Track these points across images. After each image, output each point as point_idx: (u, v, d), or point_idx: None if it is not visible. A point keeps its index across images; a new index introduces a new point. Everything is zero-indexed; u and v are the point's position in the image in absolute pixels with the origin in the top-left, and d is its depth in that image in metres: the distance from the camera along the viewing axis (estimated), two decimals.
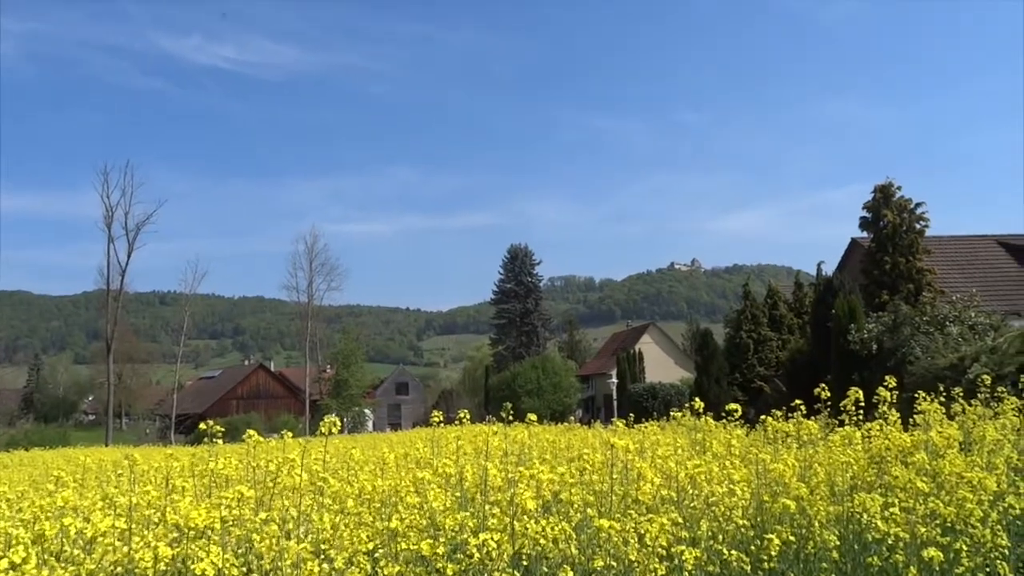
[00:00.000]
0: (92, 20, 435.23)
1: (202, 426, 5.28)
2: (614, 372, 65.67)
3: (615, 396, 62.45)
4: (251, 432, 4.99)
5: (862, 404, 5.77)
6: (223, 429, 4.74)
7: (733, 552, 3.69)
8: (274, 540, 2.76)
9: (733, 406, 5.29)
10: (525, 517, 3.08)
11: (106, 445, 50.48)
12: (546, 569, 3.03)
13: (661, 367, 65.91)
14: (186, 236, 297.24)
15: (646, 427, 13.39)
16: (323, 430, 3.87)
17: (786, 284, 55.06)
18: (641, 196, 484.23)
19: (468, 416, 5.58)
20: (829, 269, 38.78)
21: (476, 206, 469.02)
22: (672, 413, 14.57)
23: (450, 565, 2.82)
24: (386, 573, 2.85)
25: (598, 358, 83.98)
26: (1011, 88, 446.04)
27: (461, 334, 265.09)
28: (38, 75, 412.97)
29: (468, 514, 3.23)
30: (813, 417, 6.17)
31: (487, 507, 3.41)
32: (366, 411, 76.66)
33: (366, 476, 4.65)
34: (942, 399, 7.21)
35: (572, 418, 53.13)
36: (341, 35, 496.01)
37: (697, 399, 5.97)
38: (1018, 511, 4.40)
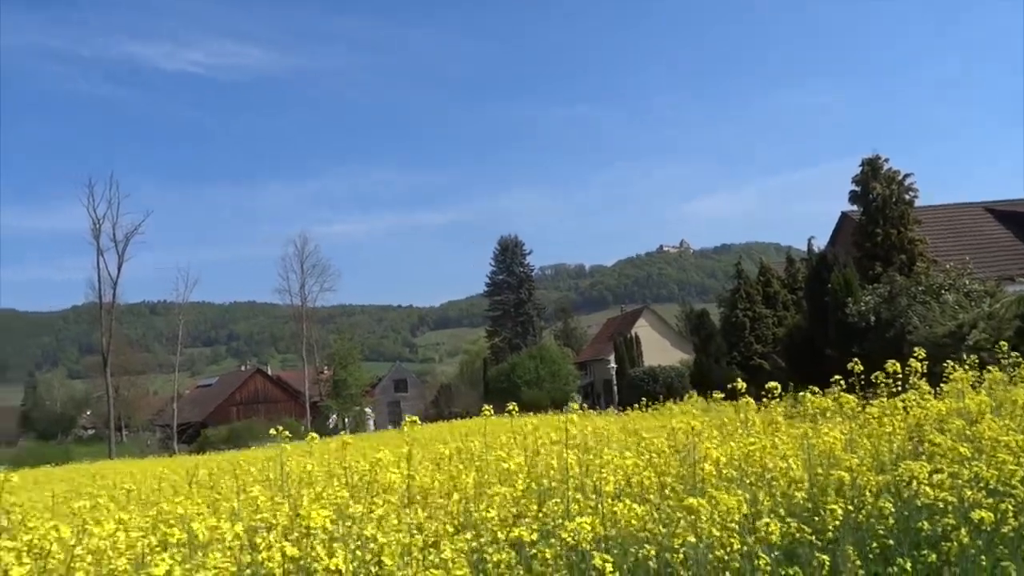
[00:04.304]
0: (55, 30, 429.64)
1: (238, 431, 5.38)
2: (612, 357, 66.07)
3: (614, 381, 62.85)
4: (312, 435, 5.15)
5: (890, 376, 5.95)
6: (287, 432, 4.86)
7: (793, 523, 3.88)
8: (386, 536, 2.91)
9: (772, 385, 5.45)
10: (608, 501, 3.26)
11: (110, 458, 50.40)
12: (634, 548, 3.21)
13: (658, 350, 66.31)
14: (172, 245, 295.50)
15: (665, 408, 13.63)
16: (405, 428, 4.02)
17: (777, 261, 55.51)
18: (626, 181, 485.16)
19: (491, 410, 5.68)
20: (820, 244, 39.18)
21: (460, 202, 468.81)
22: (689, 395, 14.86)
23: (547, 549, 3.00)
24: (494, 559, 3.03)
25: (594, 344, 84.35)
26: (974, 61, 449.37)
27: (454, 328, 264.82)
28: (4, 88, 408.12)
29: (557, 500, 3.41)
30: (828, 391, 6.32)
31: (570, 493, 3.59)
32: (367, 410, 76.78)
33: (450, 470, 4.76)
34: (953, 367, 7.38)
35: (582, 405, 53.49)
36: (309, 38, 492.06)
37: (739, 383, 6.02)
38: None
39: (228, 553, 2.75)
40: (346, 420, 77.16)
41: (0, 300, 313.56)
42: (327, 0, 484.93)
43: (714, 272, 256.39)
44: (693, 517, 3.27)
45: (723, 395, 6.45)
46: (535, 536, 3.06)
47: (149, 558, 2.59)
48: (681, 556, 3.09)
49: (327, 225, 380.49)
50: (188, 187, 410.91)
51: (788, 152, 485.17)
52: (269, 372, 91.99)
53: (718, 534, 3.14)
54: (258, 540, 2.78)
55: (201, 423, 70.86)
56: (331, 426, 74.70)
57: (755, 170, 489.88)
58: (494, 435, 5.96)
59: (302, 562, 2.66)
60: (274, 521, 2.98)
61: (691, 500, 3.12)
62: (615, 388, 61.86)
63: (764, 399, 5.76)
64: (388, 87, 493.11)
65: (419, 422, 4.20)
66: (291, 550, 2.59)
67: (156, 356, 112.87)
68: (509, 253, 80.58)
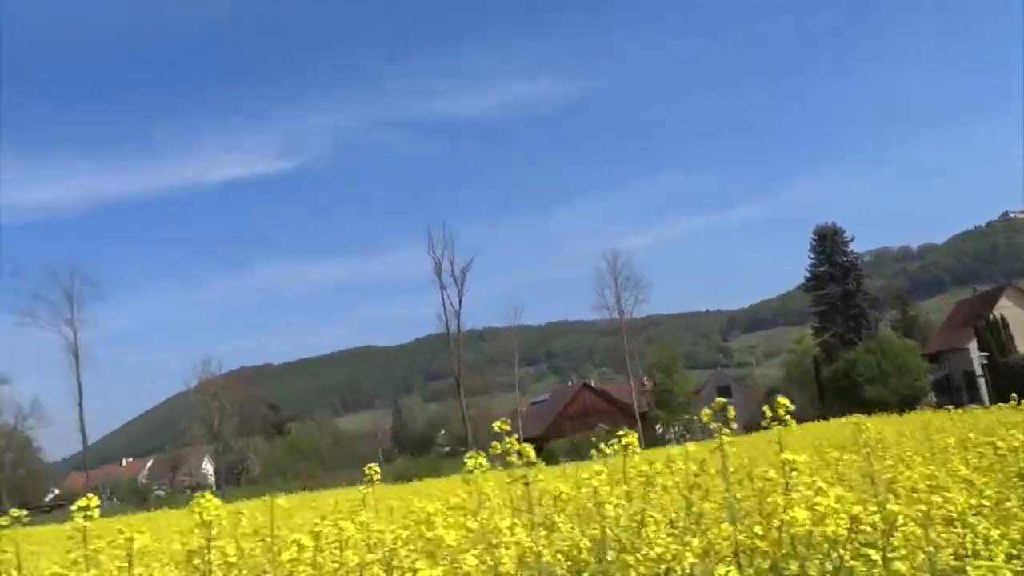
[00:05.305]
0: (383, 101, 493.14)
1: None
2: (971, 346, 58.35)
3: (979, 372, 55.27)
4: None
5: None
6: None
7: None
8: None
9: None
10: None
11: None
12: None
13: None
14: (493, 274, 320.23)
15: None
16: None
17: None
18: (943, 148, 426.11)
19: None
20: None
21: (757, 197, 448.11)
22: None
23: None
24: None
25: (944, 332, 75.05)
26: None
27: (769, 329, 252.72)
28: (341, 159, 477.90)
29: None
30: None
31: None
32: (694, 418, 76.39)
33: None
34: None
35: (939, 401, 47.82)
36: (586, 62, 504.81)
37: None
38: None
39: None
40: (674, 429, 77.47)
41: (361, 338, 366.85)
42: (594, 24, 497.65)
43: None
44: None
45: None
46: None
47: None
48: None
49: (626, 238, 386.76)
50: (503, 219, 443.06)
51: None
52: (593, 386, 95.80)
53: None
54: None
55: (541, 437, 75.86)
56: (660, 436, 75.51)
57: None
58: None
59: None
60: None
61: None
62: (981, 380, 54.33)
63: None
64: (666, 92, 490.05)
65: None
66: None
67: (490, 377, 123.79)
68: (828, 242, 75.10)
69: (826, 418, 36.78)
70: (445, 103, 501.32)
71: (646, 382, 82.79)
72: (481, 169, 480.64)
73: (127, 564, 2.67)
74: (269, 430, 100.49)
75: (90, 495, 2.87)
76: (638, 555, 2.48)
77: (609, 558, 3.07)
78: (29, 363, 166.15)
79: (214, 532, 2.76)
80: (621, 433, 3.64)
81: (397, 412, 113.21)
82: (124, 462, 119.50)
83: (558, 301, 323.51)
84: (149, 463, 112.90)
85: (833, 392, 62.98)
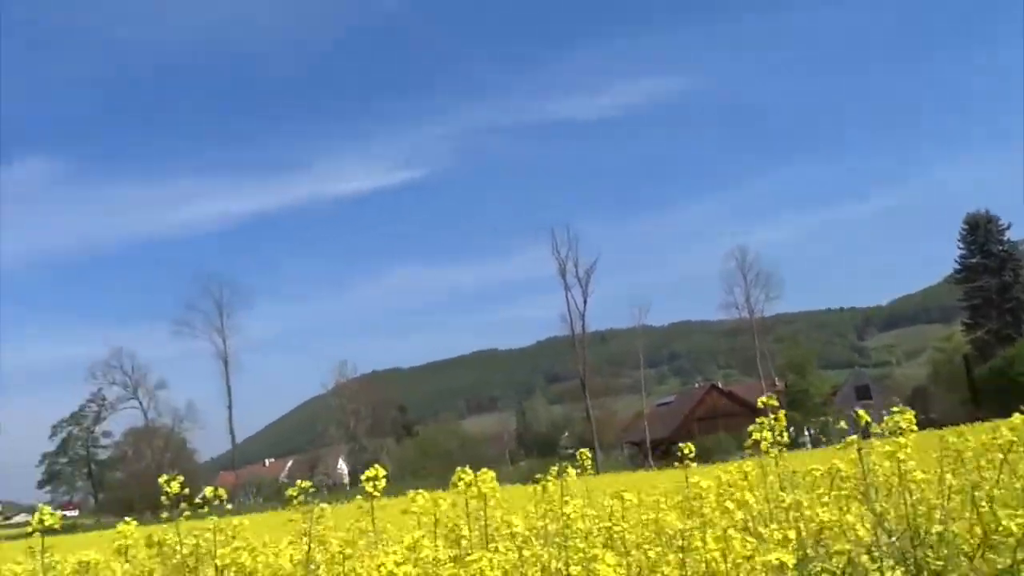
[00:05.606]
0: (493, 108, 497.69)
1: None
2: None
3: None
4: None
5: None
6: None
7: None
8: None
9: None
10: None
11: (596, 473, 55.99)
12: None
13: None
14: (611, 275, 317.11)
15: None
16: None
17: None
18: None
19: None
20: None
21: (889, 185, 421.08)
22: None
23: None
24: None
25: None
26: None
27: (908, 326, 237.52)
28: (465, 166, 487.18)
29: None
30: None
31: None
32: (830, 420, 72.84)
33: None
34: None
35: None
36: (698, 55, 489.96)
37: None
38: None
39: None
40: (809, 432, 74.00)
41: (484, 341, 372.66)
42: (713, 13, 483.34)
43: None
44: None
45: None
46: None
47: None
48: None
49: (755, 234, 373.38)
50: (626, 219, 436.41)
51: None
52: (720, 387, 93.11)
53: None
54: None
55: (669, 439, 74.47)
56: (794, 439, 72.36)
57: None
58: None
59: None
60: None
61: None
62: None
63: None
64: (792, 79, 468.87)
65: None
66: None
67: (610, 379, 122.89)
68: (981, 231, 69.74)
69: (984, 420, 33.78)
70: (566, 105, 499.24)
71: (777, 383, 79.77)
72: (604, 169, 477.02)
73: (433, 529, 3.04)
74: (399, 431, 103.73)
75: (376, 467, 3.27)
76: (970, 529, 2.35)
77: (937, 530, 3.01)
78: (184, 369, 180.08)
79: (491, 503, 3.10)
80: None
81: (521, 414, 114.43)
82: (267, 462, 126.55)
83: (681, 301, 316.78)
84: (289, 463, 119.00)
85: (987, 393, 58.33)
